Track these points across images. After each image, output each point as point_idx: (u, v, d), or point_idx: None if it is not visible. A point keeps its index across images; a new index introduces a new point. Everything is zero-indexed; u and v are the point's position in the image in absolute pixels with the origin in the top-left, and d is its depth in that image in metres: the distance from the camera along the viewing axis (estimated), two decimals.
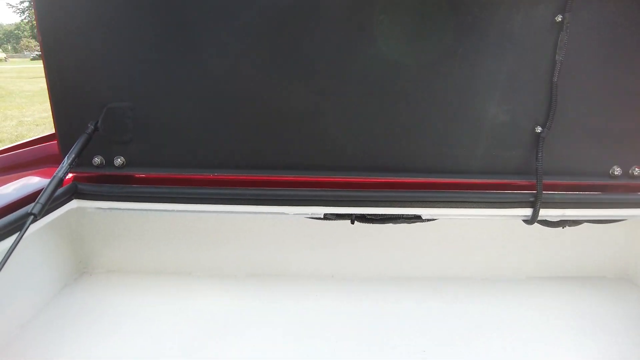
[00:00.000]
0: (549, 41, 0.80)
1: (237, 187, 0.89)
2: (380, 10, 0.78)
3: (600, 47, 0.81)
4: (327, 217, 0.92)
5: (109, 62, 0.83)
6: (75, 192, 0.90)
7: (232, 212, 0.89)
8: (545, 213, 0.87)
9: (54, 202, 0.80)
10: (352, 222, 0.95)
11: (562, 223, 0.95)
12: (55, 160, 0.91)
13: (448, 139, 0.86)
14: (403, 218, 0.93)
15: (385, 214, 0.91)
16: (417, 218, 0.93)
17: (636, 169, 0.87)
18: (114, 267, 1.15)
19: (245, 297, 1.05)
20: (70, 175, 0.90)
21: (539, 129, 0.84)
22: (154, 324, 0.93)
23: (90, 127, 0.84)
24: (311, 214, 0.91)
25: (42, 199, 0.73)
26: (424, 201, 0.88)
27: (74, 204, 0.91)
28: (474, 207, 0.87)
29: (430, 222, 0.95)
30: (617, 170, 0.87)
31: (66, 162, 0.80)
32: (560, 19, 0.78)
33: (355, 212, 0.91)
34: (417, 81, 0.83)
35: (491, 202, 0.87)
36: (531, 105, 0.84)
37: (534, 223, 0.88)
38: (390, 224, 0.94)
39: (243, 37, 0.80)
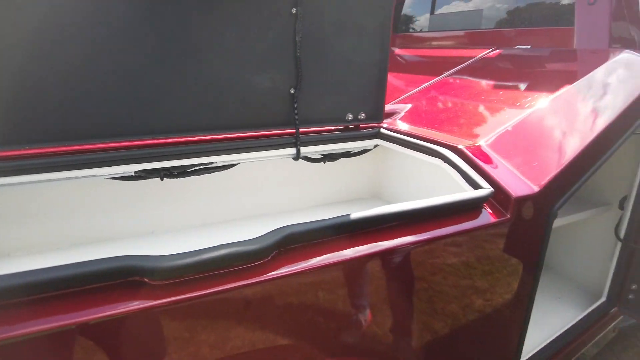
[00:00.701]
0: (290, 26, 1.13)
1: (45, 157, 0.98)
2: None
3: (326, 29, 1.17)
4: (138, 174, 1.09)
5: None
6: None
7: (43, 180, 0.98)
8: (305, 150, 1.22)
9: None
10: (162, 179, 1.14)
11: (322, 159, 1.34)
12: None
13: (230, 102, 1.12)
14: (205, 168, 1.17)
15: (187, 165, 1.13)
16: (218, 168, 1.18)
17: (362, 114, 1.29)
18: None
19: None
20: None
21: (292, 91, 1.17)
22: None
23: None
24: (122, 172, 1.07)
25: None
26: (216, 150, 1.13)
27: None
28: (255, 151, 1.16)
29: (229, 169, 1.22)
30: (349, 116, 1.27)
31: None
32: (294, 11, 1.11)
33: (162, 167, 1.10)
34: (201, 55, 1.05)
35: (268, 146, 1.18)
36: (286, 73, 1.16)
37: (298, 159, 1.22)
38: (195, 176, 1.17)
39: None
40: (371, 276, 0.78)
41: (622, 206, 1.54)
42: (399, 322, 0.85)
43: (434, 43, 2.32)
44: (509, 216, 0.92)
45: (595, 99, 1.16)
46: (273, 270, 0.67)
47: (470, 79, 1.51)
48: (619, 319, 1.67)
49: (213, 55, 1.07)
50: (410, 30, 2.59)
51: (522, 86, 1.31)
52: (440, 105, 1.39)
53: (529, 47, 1.75)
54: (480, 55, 1.68)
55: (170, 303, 0.59)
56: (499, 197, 0.95)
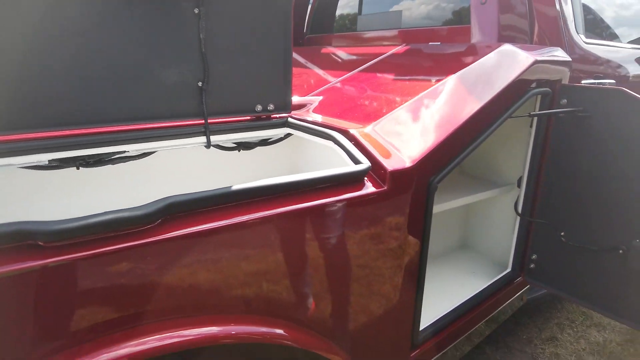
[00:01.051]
0: (194, 25, 1.21)
1: None
2: None
3: (229, 27, 1.26)
4: (52, 164, 1.15)
5: None
6: None
7: None
8: (216, 139, 1.31)
9: None
10: (78, 168, 1.20)
11: (237, 148, 1.43)
12: None
13: (142, 95, 1.19)
14: (121, 157, 1.24)
15: (103, 154, 1.20)
16: (134, 157, 1.25)
17: (271, 105, 1.39)
18: None
19: None
20: None
21: (200, 84, 1.26)
22: None
23: None
24: (36, 162, 1.12)
25: None
26: (129, 139, 1.20)
27: None
28: (167, 140, 1.24)
29: (145, 157, 1.29)
30: (259, 107, 1.37)
31: None
32: (197, 11, 1.20)
33: (77, 155, 1.16)
34: (112, 51, 1.12)
35: (179, 134, 1.26)
36: (194, 68, 1.25)
37: (210, 147, 1.31)
38: (111, 165, 1.24)
39: None
40: (255, 243, 0.88)
41: (519, 185, 1.71)
42: (283, 288, 0.95)
43: (361, 41, 2.46)
44: (386, 187, 1.04)
45: (472, 85, 1.31)
46: (159, 235, 0.75)
47: (377, 72, 1.65)
48: (525, 288, 1.85)
49: (123, 51, 1.14)
50: (344, 30, 2.73)
51: (415, 77, 1.45)
52: (345, 96, 1.51)
53: (438, 43, 1.91)
54: (390, 52, 1.82)
55: (62, 262, 0.67)
56: (379, 171, 1.07)
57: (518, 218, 1.70)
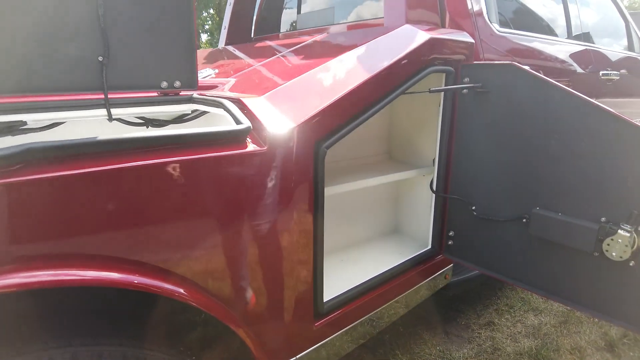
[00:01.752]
0: (93, 1, 1.26)
1: None
2: None
3: (128, 4, 1.30)
4: None
5: None
6: None
7: None
8: (118, 112, 1.34)
9: None
10: None
11: (144, 124, 1.46)
12: None
13: (42, 68, 1.22)
14: (22, 129, 1.26)
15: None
16: (36, 129, 1.27)
17: (177, 82, 1.43)
18: None
19: None
20: None
21: (101, 59, 1.29)
22: None
23: None
24: None
25: None
26: (25, 108, 1.22)
27: None
28: (65, 111, 1.27)
29: (48, 129, 1.31)
30: (164, 84, 1.40)
31: None
32: None
33: None
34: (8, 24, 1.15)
35: (79, 106, 1.28)
36: (94, 42, 1.28)
37: (112, 121, 1.34)
38: (10, 136, 1.25)
39: None
40: (124, 194, 0.90)
41: (434, 164, 1.77)
42: (161, 243, 0.97)
43: (301, 37, 2.54)
44: (266, 148, 1.08)
45: (364, 59, 1.37)
46: (16, 177, 0.78)
47: (291, 57, 1.71)
48: (448, 266, 1.89)
49: (22, 23, 1.17)
50: (290, 30, 2.81)
51: (319, 57, 1.51)
52: (256, 77, 1.56)
53: (357, 30, 1.99)
54: (310, 40, 1.89)
55: None
56: (261, 133, 1.11)
57: (434, 196, 1.76)
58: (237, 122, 1.11)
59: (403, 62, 1.39)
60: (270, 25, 2.92)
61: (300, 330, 1.29)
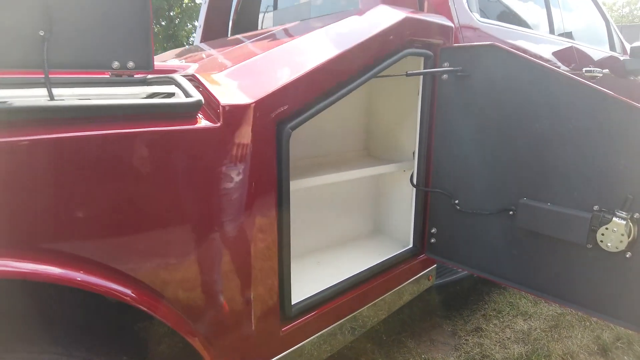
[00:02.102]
0: None
1: None
2: None
3: None
4: None
5: None
6: None
7: None
8: (61, 92, 1.20)
9: None
10: None
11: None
12: None
13: None
14: None
15: None
16: None
17: (130, 63, 1.30)
18: None
19: None
20: None
21: (42, 33, 1.16)
22: None
23: None
24: None
25: None
26: None
27: None
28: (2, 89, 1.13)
29: None
30: (116, 64, 1.27)
31: None
32: None
33: None
34: None
35: (16, 84, 1.14)
36: (35, 15, 1.15)
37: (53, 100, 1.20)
38: None
39: None
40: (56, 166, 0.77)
41: (414, 156, 1.66)
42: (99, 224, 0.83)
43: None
44: (219, 124, 0.96)
45: (333, 38, 1.26)
46: None
47: (262, 41, 1.60)
48: (432, 267, 1.76)
49: None
50: (266, 26, 2.72)
51: (286, 39, 1.40)
52: (220, 60, 1.44)
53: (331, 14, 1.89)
54: (282, 26, 1.79)
55: None
56: (215, 109, 0.98)
57: (415, 190, 1.64)
58: (187, 95, 0.98)
59: (377, 39, 1.28)
60: (247, 24, 2.82)
61: (264, 337, 1.15)
